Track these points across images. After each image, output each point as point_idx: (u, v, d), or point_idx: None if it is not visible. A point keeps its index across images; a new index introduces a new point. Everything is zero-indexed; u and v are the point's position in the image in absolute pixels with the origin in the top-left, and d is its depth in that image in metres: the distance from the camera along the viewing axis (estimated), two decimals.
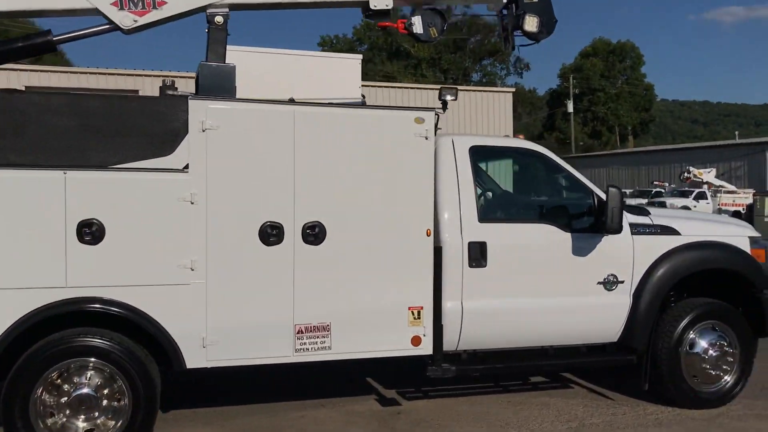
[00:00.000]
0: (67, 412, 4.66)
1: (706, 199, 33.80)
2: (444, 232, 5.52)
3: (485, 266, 5.57)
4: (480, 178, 5.98)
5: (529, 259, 5.74)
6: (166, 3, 4.98)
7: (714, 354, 6.10)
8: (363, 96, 7.39)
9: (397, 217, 5.22)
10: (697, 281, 6.30)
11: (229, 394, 6.33)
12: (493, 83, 53.60)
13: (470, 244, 5.54)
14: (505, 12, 5.84)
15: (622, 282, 5.93)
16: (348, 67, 7.15)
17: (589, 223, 5.85)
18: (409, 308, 5.27)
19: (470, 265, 5.54)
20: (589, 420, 5.81)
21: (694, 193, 34.41)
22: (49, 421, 4.63)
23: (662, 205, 28.96)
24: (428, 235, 5.28)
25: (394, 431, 5.54)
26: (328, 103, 5.36)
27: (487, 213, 5.83)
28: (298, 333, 5.04)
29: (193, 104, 4.80)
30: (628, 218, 6.00)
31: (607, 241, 5.88)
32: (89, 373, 4.70)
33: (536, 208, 6.19)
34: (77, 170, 4.61)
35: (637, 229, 6.01)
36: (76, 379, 4.68)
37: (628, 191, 36.34)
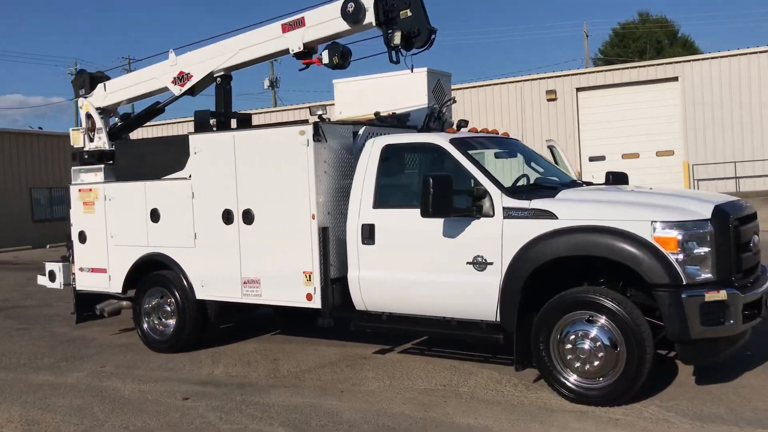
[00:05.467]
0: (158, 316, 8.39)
1: None
2: (348, 216, 7.04)
3: (374, 244, 6.85)
4: (393, 171, 7.04)
5: (405, 239, 6.69)
6: (192, 77, 8.12)
7: (586, 348, 5.73)
8: (453, 99, 8.81)
9: (293, 205, 7.09)
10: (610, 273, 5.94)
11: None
12: None
13: (362, 225, 6.91)
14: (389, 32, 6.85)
15: (491, 263, 6.21)
16: (414, 80, 8.63)
17: (460, 208, 6.35)
18: (303, 272, 7.09)
19: (363, 243, 6.91)
20: (460, 388, 6.37)
21: None
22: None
23: None
24: (313, 218, 6.98)
25: (332, 365, 7.35)
26: (262, 125, 7.60)
27: (382, 200, 6.90)
28: (244, 283, 7.53)
29: (190, 138, 7.84)
30: (504, 202, 6.20)
31: (477, 225, 6.30)
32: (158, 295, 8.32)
33: (418, 196, 6.80)
34: (149, 181, 8.24)
35: (509, 213, 6.16)
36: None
37: None
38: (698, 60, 28.48)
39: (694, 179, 27.90)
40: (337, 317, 7.16)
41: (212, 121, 8.12)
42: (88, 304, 9.26)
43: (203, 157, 7.75)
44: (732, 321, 5.52)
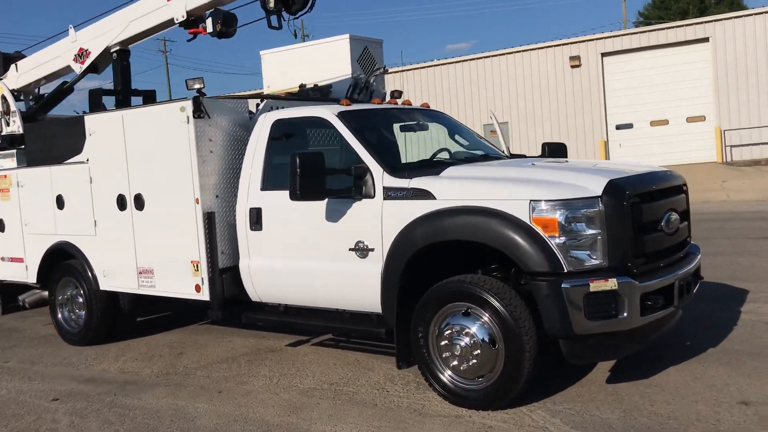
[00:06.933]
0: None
1: None
2: (238, 199, 6.44)
3: (261, 230, 6.24)
4: (285, 148, 6.36)
5: (291, 224, 6.06)
6: (90, 53, 7.59)
7: (463, 344, 5.05)
8: (384, 69, 8.15)
9: (178, 189, 6.52)
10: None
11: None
12: None
13: (250, 209, 6.31)
14: None
15: (372, 250, 5.56)
16: (336, 48, 7.96)
17: (341, 189, 5.71)
18: (191, 262, 6.53)
19: (251, 228, 6.31)
20: (346, 387, 5.77)
21: None
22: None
23: None
24: (197, 203, 6.40)
25: (233, 360, 6.83)
26: (142, 105, 7.03)
27: (269, 181, 6.26)
28: (139, 273, 7.03)
29: (86, 118, 7.33)
30: (384, 181, 5.52)
31: (358, 208, 5.64)
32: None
33: None
34: (54, 166, 7.79)
35: (389, 194, 5.48)
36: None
37: None
38: (730, 18, 26.77)
39: (726, 145, 26.42)
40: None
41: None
42: (12, 295, 8.93)
43: (97, 139, 7.24)
44: (626, 314, 4.75)
